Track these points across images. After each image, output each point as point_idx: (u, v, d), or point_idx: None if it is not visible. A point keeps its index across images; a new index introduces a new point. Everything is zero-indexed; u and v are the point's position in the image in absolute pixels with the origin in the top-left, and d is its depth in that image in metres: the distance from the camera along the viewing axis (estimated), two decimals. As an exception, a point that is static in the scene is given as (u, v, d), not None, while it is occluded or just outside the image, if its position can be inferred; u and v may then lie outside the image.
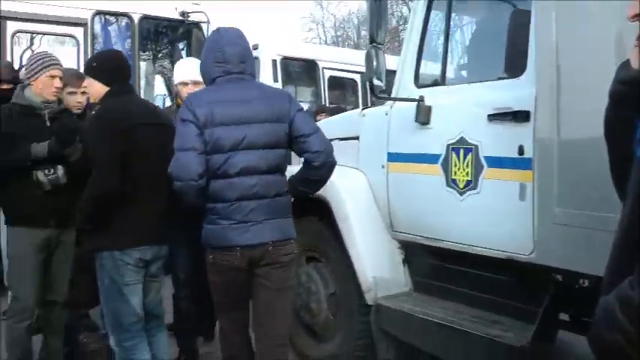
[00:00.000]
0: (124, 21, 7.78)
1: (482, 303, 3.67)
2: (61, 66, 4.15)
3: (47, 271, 4.06)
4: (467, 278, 3.77)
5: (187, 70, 4.61)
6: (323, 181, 3.53)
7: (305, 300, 4.58)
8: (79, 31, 7.40)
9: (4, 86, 5.15)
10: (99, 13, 7.53)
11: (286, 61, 9.47)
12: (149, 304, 3.76)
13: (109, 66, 3.73)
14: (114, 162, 3.44)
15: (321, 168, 3.39)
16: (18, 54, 7.13)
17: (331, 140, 3.64)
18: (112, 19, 7.83)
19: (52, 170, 3.90)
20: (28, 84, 4.08)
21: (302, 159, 3.44)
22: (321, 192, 4.02)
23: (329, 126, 4.49)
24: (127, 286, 3.57)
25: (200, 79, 3.74)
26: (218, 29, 3.52)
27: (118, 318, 3.61)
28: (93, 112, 4.05)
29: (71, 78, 4.35)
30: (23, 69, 4.17)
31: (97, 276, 3.61)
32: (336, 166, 3.53)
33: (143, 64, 8.06)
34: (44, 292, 4.07)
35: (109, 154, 3.45)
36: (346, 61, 10.21)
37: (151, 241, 3.64)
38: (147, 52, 8.47)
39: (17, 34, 7.26)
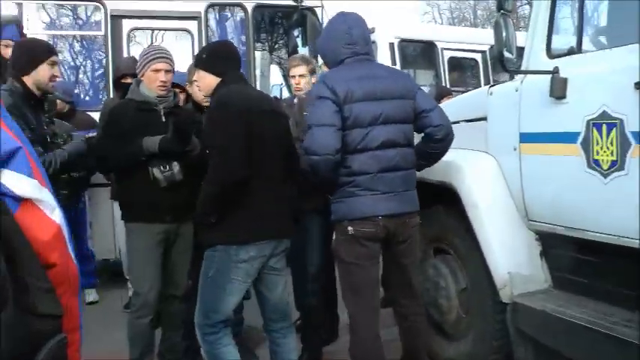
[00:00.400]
0: (237, 11, 7.69)
1: (635, 304, 3.17)
2: (168, 59, 4.02)
3: (166, 264, 4.02)
4: (616, 274, 3.29)
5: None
6: (443, 153, 3.71)
7: (433, 296, 4.28)
8: (193, 25, 7.34)
9: (129, 80, 5.15)
10: (212, 5, 7.45)
11: (404, 43, 9.09)
12: (277, 303, 3.69)
13: (219, 57, 3.64)
14: (237, 148, 3.35)
15: (442, 140, 3.61)
16: (136, 52, 7.14)
17: (455, 123, 3.66)
18: (226, 10, 7.77)
19: (167, 167, 3.86)
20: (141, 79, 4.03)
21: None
22: (448, 179, 3.92)
23: (452, 107, 4.22)
24: (230, 283, 3.46)
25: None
26: (342, 12, 3.68)
27: (208, 312, 3.51)
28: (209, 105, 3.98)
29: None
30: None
31: (204, 264, 3.52)
32: (463, 151, 3.54)
33: (258, 54, 7.93)
34: (164, 285, 4.02)
35: (232, 140, 3.36)
36: (466, 40, 9.77)
37: (271, 236, 3.50)
38: (262, 42, 8.35)
39: (133, 32, 7.31)
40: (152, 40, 7.59)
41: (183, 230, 4.01)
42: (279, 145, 3.55)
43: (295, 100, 4.93)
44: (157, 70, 3.94)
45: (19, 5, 7.00)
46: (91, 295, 6.38)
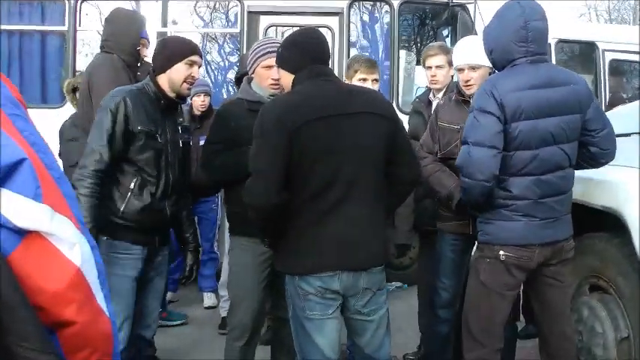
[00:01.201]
0: (382, 7, 7.20)
1: None
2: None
3: (274, 284, 3.60)
4: None
5: (465, 52, 3.88)
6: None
7: (586, 342, 3.61)
8: (334, 21, 6.99)
9: None
10: (355, 0, 7.00)
11: (562, 44, 8.26)
12: (367, 347, 3.04)
13: (293, 49, 3.05)
14: (272, 171, 2.83)
15: (604, 163, 3.29)
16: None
17: (624, 135, 3.31)
18: (370, 6, 7.28)
19: None
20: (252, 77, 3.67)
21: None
22: (615, 203, 3.34)
23: (624, 117, 3.65)
24: (309, 321, 2.89)
25: (479, 62, 3.68)
26: (517, 1, 3.13)
27: (302, 354, 2.97)
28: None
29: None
30: None
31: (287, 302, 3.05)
32: (634, 171, 3.17)
33: (403, 53, 7.37)
34: (263, 307, 3.67)
35: (261, 158, 2.87)
36: (631, 41, 8.68)
37: (342, 266, 2.85)
38: (407, 41, 7.80)
39: (270, 28, 7.02)
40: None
41: None
42: (364, 156, 2.90)
43: (435, 101, 4.39)
44: (269, 67, 3.54)
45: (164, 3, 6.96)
46: (210, 299, 6.18)
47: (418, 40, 7.82)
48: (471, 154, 3.06)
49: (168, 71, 3.45)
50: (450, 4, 6.85)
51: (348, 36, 6.84)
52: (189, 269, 3.77)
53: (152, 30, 6.52)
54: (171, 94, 3.49)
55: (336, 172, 2.84)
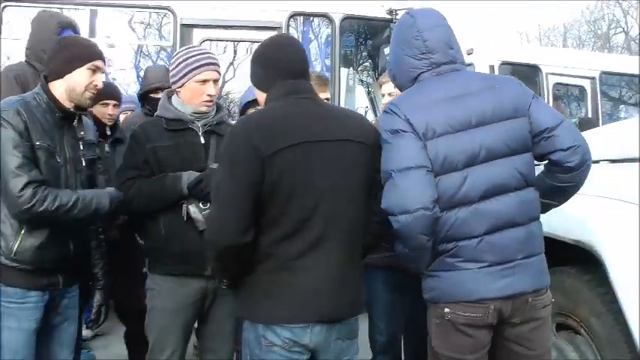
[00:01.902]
0: (323, 22, 6.90)
1: None
2: (217, 65, 3.23)
3: (203, 329, 3.27)
4: None
5: None
6: (579, 186, 2.67)
7: None
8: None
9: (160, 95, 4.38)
10: (295, 15, 6.69)
11: (505, 66, 8.22)
12: None
13: (262, 64, 2.64)
14: (241, 203, 2.40)
15: (577, 167, 2.57)
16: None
17: (594, 162, 2.69)
18: (310, 21, 6.99)
19: (208, 203, 2.99)
20: (175, 91, 3.25)
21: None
22: (587, 237, 2.99)
23: (592, 142, 3.22)
24: None
25: None
26: (409, 12, 2.73)
27: None
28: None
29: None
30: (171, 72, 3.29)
31: (242, 350, 2.62)
32: (606, 200, 2.82)
33: (344, 72, 7.10)
34: (184, 353, 3.27)
35: (229, 190, 2.43)
36: (574, 64, 8.77)
37: (317, 318, 2.45)
38: (349, 58, 7.54)
39: (204, 42, 6.63)
40: (228, 52, 6.92)
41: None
42: (346, 190, 2.53)
43: None
44: (204, 82, 3.14)
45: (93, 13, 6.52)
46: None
47: (360, 57, 7.58)
48: (396, 185, 2.49)
49: (66, 77, 2.99)
50: (394, 20, 6.59)
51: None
52: (96, 310, 3.27)
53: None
54: (68, 105, 3.01)
55: (315, 208, 2.45)
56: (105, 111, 4.35)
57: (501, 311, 2.54)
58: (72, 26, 4.09)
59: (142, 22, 6.81)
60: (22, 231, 2.84)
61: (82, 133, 3.11)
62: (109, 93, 4.29)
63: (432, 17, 2.70)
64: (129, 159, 3.22)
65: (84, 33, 6.50)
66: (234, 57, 7.09)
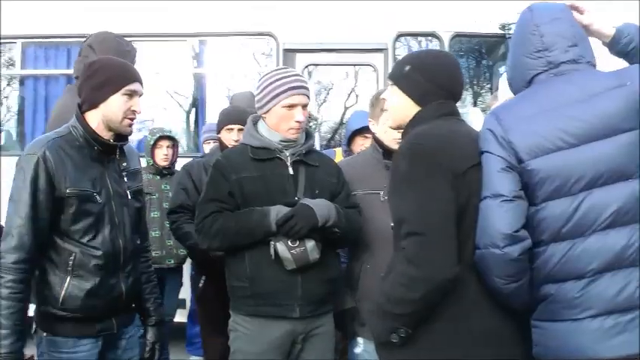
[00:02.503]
0: (431, 42, 6.50)
1: None
2: (307, 89, 2.99)
3: None
4: None
5: None
6: None
7: None
8: (377, 59, 6.30)
9: None
10: (401, 35, 6.34)
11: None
12: None
13: (426, 74, 2.40)
14: (449, 226, 2.14)
15: None
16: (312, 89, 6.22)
17: None
18: (417, 41, 6.60)
19: (297, 241, 2.80)
20: (261, 117, 3.03)
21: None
22: None
23: None
24: None
25: None
26: (529, 7, 2.35)
27: None
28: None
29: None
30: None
31: None
32: None
33: (456, 94, 6.65)
34: None
35: (441, 211, 2.14)
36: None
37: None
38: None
39: (308, 68, 6.38)
40: (331, 76, 6.64)
41: (320, 330, 2.97)
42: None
43: None
44: (292, 106, 2.91)
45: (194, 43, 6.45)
46: None
47: (473, 78, 7.13)
48: (479, 213, 2.21)
49: (101, 106, 2.73)
50: (507, 36, 6.12)
51: (395, 74, 6.14)
52: (149, 348, 2.99)
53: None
54: (107, 135, 2.77)
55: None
56: (230, 137, 4.17)
57: None
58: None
59: (244, 49, 6.61)
60: (68, 278, 2.63)
61: (124, 164, 2.87)
62: (234, 118, 4.16)
63: (552, 9, 2.32)
64: (212, 191, 3.01)
65: (187, 64, 6.47)
66: (338, 81, 6.80)
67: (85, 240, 2.65)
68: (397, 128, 2.53)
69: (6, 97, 7.01)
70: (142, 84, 2.81)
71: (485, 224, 2.13)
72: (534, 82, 2.26)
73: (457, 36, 6.34)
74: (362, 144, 4.27)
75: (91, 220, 2.66)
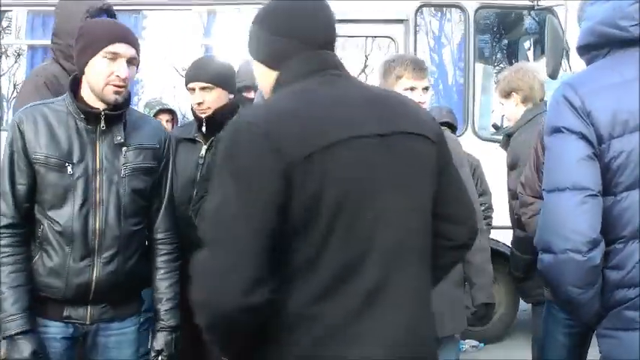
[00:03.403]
0: (454, 13, 6.16)
1: None
2: None
3: None
4: None
5: None
6: None
7: None
8: (397, 31, 5.97)
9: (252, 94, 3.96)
10: (423, 6, 5.99)
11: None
12: None
13: (277, 28, 1.78)
14: (251, 238, 1.52)
15: None
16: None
17: None
18: (440, 12, 6.27)
19: None
20: None
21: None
22: None
23: None
24: None
25: None
26: None
27: None
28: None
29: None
30: None
31: None
32: None
33: (480, 68, 6.32)
34: None
35: (243, 218, 1.53)
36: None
37: None
38: (485, 52, 6.75)
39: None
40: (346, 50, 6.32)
41: None
42: (409, 208, 1.67)
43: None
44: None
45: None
46: None
47: (497, 51, 6.78)
48: (545, 209, 1.91)
49: (85, 71, 2.50)
50: (536, 7, 5.76)
51: (415, 48, 5.83)
52: (153, 357, 2.67)
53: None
54: (101, 105, 2.51)
55: (370, 240, 1.61)
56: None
57: None
58: (107, 11, 3.30)
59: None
60: (39, 252, 2.51)
61: (118, 137, 2.56)
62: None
63: None
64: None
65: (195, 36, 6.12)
66: (354, 54, 6.46)
67: (50, 213, 2.47)
68: None
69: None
70: (133, 46, 2.53)
71: (556, 223, 1.84)
72: (611, 54, 1.94)
73: (482, 7, 6.00)
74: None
75: (58, 192, 2.47)
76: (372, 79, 6.33)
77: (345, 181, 1.57)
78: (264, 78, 1.81)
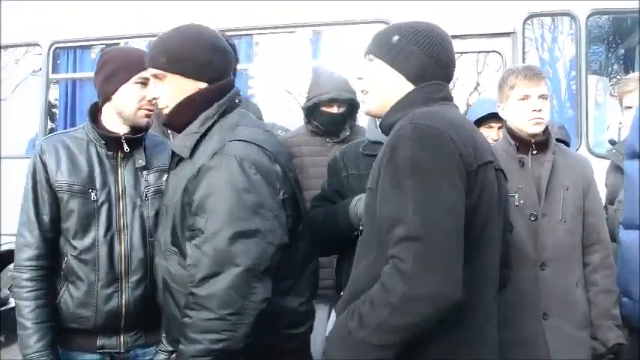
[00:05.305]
0: (563, 22, 5.88)
1: None
2: None
3: None
4: None
5: None
6: None
7: None
8: (505, 44, 5.71)
9: (335, 109, 3.77)
10: (532, 16, 5.70)
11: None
12: None
13: (432, 53, 2.00)
14: (458, 236, 1.68)
15: None
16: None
17: None
18: (548, 21, 5.99)
19: None
20: None
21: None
22: None
23: None
24: None
25: None
26: None
27: None
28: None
29: None
30: None
31: None
32: None
33: (593, 80, 5.98)
34: None
35: (451, 215, 1.68)
36: None
37: None
38: (598, 63, 6.39)
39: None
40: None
41: None
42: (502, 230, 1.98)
43: None
44: None
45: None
46: None
47: (612, 62, 6.41)
48: (620, 247, 1.85)
49: (113, 98, 2.58)
50: (655, 11, 5.40)
51: (523, 62, 5.55)
52: None
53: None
54: (125, 129, 2.61)
55: (494, 256, 1.90)
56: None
57: None
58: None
59: (358, 38, 6.22)
60: (64, 284, 2.53)
61: (140, 161, 2.63)
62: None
63: None
64: (326, 188, 2.84)
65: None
66: (460, 71, 6.29)
67: (74, 241, 2.52)
68: (374, 115, 2.13)
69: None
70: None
71: (632, 263, 1.75)
72: None
73: (595, 14, 5.65)
74: (487, 135, 3.75)
75: (82, 218, 2.51)
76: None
77: (490, 199, 1.80)
78: (396, 88, 1.95)
